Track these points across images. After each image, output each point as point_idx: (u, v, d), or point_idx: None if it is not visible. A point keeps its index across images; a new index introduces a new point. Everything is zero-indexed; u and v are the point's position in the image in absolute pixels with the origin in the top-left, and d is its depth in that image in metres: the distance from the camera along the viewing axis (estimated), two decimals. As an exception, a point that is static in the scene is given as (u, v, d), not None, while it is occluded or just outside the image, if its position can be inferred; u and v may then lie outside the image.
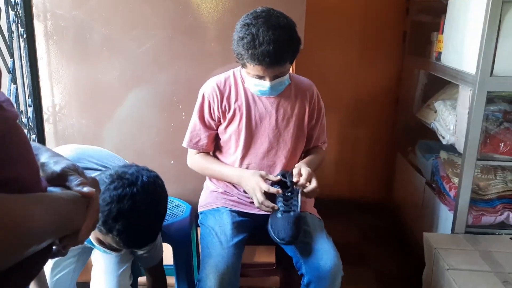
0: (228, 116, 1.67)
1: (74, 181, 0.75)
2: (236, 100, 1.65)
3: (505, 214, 1.97)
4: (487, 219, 1.98)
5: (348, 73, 2.99)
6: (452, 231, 1.96)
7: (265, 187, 1.55)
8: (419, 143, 2.60)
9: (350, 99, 3.03)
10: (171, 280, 1.93)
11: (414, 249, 2.43)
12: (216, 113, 1.66)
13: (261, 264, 2.03)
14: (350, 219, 3.05)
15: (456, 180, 2.02)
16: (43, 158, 0.79)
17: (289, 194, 1.57)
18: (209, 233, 1.61)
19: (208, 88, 1.67)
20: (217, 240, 1.56)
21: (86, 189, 0.74)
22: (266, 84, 1.53)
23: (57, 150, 1.27)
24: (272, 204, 1.54)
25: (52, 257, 0.76)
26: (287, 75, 1.57)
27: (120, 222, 1.10)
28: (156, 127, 1.95)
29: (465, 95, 1.92)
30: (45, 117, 1.93)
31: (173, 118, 1.92)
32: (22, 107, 1.71)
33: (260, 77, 1.52)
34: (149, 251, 1.50)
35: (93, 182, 0.79)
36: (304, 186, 1.56)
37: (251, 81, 1.56)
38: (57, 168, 0.76)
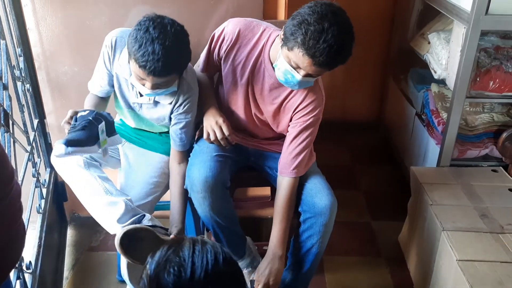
0: (225, 70, 1.63)
1: None
2: (245, 60, 1.58)
3: (490, 147, 2.07)
4: (472, 152, 2.08)
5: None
6: (438, 164, 2.06)
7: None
8: (411, 72, 2.61)
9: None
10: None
11: (403, 175, 2.58)
12: (221, 53, 1.62)
13: (256, 197, 2.13)
14: (342, 141, 3.16)
15: (445, 115, 2.08)
16: None
17: None
18: (196, 149, 1.72)
19: (233, 27, 1.58)
20: (202, 152, 1.67)
21: None
22: (297, 76, 1.42)
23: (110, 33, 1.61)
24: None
25: None
26: (316, 78, 1.50)
27: (137, 42, 1.37)
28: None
29: (459, 31, 1.91)
30: (36, 64, 1.91)
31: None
32: (13, 61, 1.69)
33: (296, 68, 1.41)
34: (183, 124, 1.65)
35: None
36: None
37: (283, 66, 1.43)
38: None
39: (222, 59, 1.63)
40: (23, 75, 1.80)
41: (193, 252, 0.83)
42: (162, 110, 1.66)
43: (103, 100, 1.75)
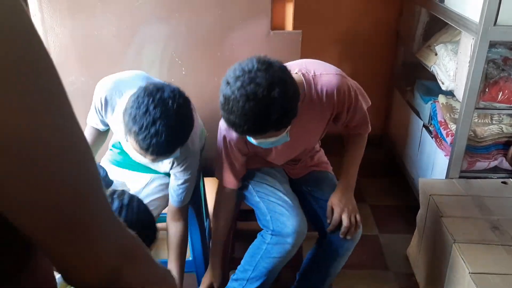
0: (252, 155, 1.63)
1: None
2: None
3: (499, 159, 2.05)
4: (481, 164, 2.05)
5: (347, 4, 2.91)
6: (447, 176, 2.04)
7: None
8: (417, 84, 2.61)
9: (348, 31, 2.97)
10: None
11: (410, 187, 2.55)
12: (247, 150, 1.59)
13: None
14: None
15: (453, 126, 2.06)
16: None
17: None
18: (264, 191, 1.64)
19: (228, 131, 1.52)
20: (287, 194, 1.61)
21: None
22: (252, 140, 1.39)
23: (99, 84, 1.49)
24: None
25: None
26: (285, 133, 1.37)
27: (136, 124, 1.25)
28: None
29: (467, 42, 1.90)
30: (44, 74, 1.90)
31: (173, 74, 1.91)
32: (21, 70, 1.69)
33: None
34: (181, 180, 1.57)
35: None
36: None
37: None
38: None
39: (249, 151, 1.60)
40: (30, 84, 1.80)
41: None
42: (160, 165, 1.60)
43: (102, 133, 1.67)
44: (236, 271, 1.67)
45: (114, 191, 1.03)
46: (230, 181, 1.64)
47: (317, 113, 1.50)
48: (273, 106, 1.20)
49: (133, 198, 1.05)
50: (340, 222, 1.57)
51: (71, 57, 1.88)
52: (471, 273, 1.50)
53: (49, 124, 0.44)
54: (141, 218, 1.04)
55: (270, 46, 1.86)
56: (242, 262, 1.65)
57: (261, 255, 1.57)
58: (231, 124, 1.26)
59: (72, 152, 0.47)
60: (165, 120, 1.24)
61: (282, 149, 1.57)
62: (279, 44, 1.86)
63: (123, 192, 1.06)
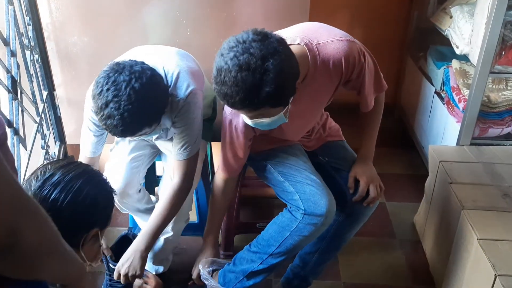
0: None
1: None
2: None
3: (513, 126, 1.99)
4: (494, 130, 2.00)
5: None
6: (458, 142, 1.99)
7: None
8: (431, 49, 2.52)
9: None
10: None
11: (419, 156, 2.51)
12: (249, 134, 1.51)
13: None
14: (356, 124, 3.08)
15: (466, 92, 1.99)
16: None
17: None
18: (288, 171, 1.56)
19: (233, 115, 1.45)
20: (303, 170, 1.55)
21: None
22: (248, 121, 1.34)
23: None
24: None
25: None
26: (282, 113, 1.30)
27: (95, 103, 1.26)
28: (160, 44, 1.89)
29: (484, 2, 1.82)
30: (45, 34, 1.86)
31: (178, 34, 1.86)
32: (21, 28, 1.65)
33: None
34: (180, 139, 1.50)
35: None
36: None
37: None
38: None
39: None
40: (32, 44, 1.76)
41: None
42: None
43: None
44: (255, 243, 1.60)
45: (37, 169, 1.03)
46: (232, 170, 1.58)
47: (325, 83, 1.42)
48: (266, 77, 1.13)
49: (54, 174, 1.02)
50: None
51: (73, 16, 1.84)
52: (480, 239, 1.47)
53: None
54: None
55: (277, 4, 1.80)
56: (264, 236, 1.57)
57: (290, 232, 1.51)
58: (222, 95, 1.20)
59: None
60: (117, 104, 1.22)
61: (294, 125, 1.49)
62: (287, 2, 1.79)
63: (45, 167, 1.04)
